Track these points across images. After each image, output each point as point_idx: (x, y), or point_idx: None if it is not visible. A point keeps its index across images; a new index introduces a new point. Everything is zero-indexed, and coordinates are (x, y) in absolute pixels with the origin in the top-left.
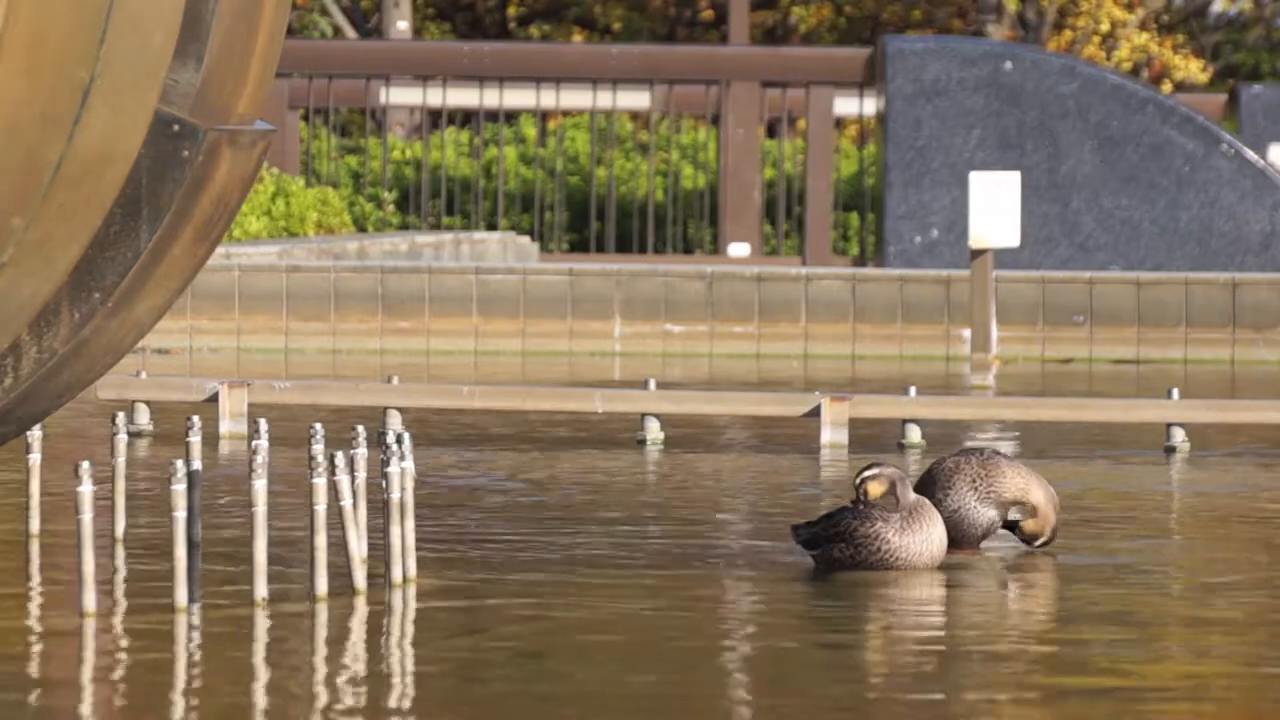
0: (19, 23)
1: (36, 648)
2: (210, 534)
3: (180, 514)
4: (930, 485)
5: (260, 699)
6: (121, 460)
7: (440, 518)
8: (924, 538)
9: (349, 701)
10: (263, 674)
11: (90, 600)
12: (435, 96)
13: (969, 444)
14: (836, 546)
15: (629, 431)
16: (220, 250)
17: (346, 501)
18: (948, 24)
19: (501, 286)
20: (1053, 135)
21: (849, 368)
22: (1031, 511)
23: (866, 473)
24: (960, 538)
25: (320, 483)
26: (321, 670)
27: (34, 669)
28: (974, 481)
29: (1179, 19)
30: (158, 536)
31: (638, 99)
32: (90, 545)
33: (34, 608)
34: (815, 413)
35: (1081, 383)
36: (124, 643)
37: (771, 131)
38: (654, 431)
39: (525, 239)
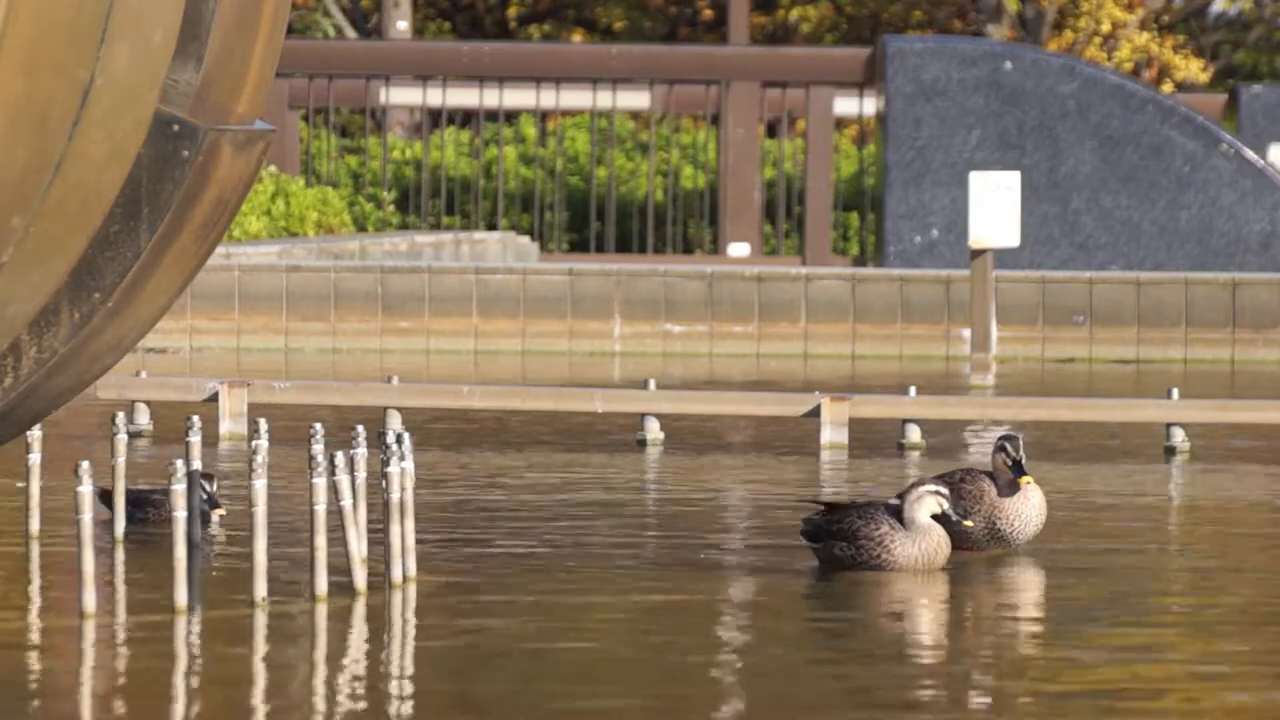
0: (19, 23)
1: (36, 648)
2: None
3: (180, 514)
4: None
5: (260, 699)
6: (121, 460)
7: (440, 518)
8: (924, 545)
9: (348, 701)
10: (262, 674)
11: (90, 600)
12: (435, 96)
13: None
14: (838, 545)
15: (629, 431)
16: (220, 250)
17: (346, 501)
18: (948, 24)
19: (501, 286)
20: (1053, 135)
21: (849, 368)
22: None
23: (925, 489)
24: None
25: (320, 483)
26: (321, 670)
27: (34, 669)
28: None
29: (1179, 19)
30: (158, 536)
31: (638, 99)
32: (90, 545)
33: (34, 608)
34: (815, 413)
35: (1081, 383)
36: (124, 643)
37: (771, 131)
38: (654, 431)
39: (525, 239)
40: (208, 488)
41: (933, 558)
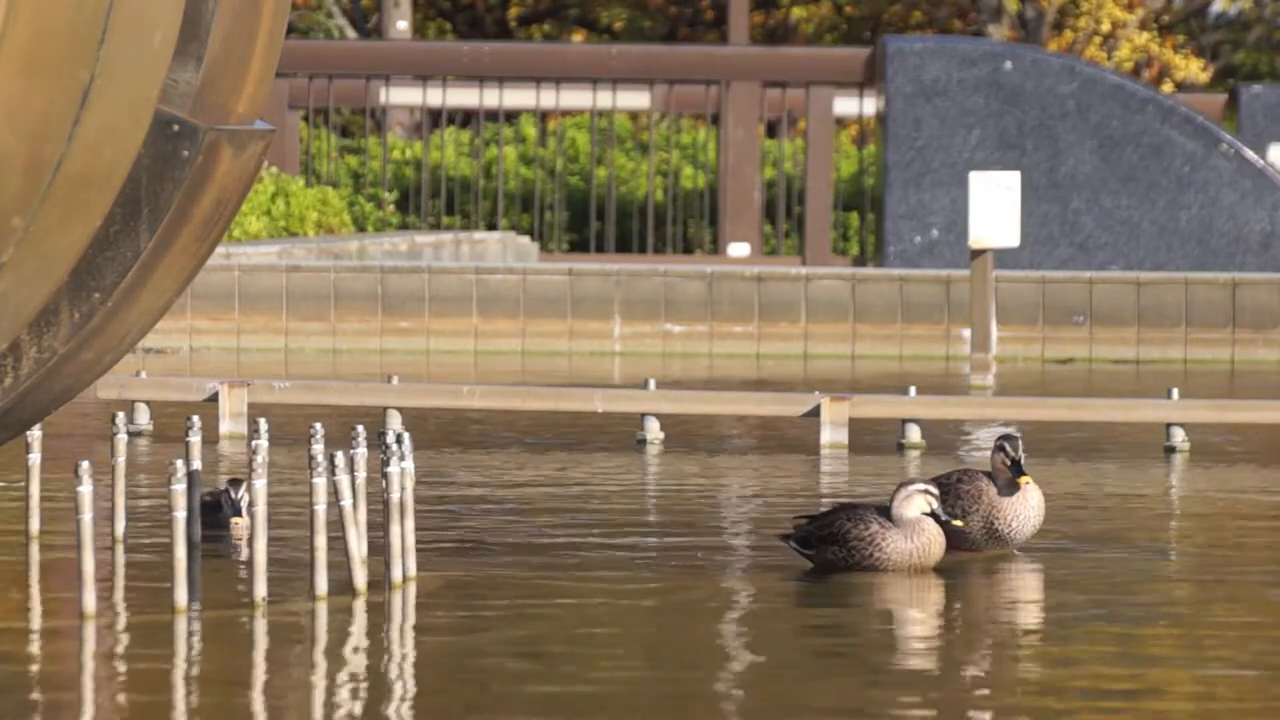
0: (19, 23)
1: (36, 648)
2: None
3: (180, 514)
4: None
5: (260, 699)
6: (121, 460)
7: (440, 518)
8: (917, 540)
9: (348, 702)
10: (262, 674)
11: (90, 600)
12: (435, 96)
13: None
14: (830, 549)
15: (629, 431)
16: (220, 250)
17: (346, 501)
18: (948, 24)
19: (501, 286)
20: (1053, 135)
21: (849, 368)
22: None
23: (913, 488)
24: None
25: (320, 483)
26: (321, 670)
27: (34, 669)
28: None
29: (1179, 19)
30: (158, 536)
31: (638, 99)
32: (90, 545)
33: (34, 608)
34: (815, 413)
35: (1081, 383)
36: (124, 643)
37: (771, 131)
38: (654, 431)
39: (525, 239)
40: (234, 494)
41: (926, 551)
